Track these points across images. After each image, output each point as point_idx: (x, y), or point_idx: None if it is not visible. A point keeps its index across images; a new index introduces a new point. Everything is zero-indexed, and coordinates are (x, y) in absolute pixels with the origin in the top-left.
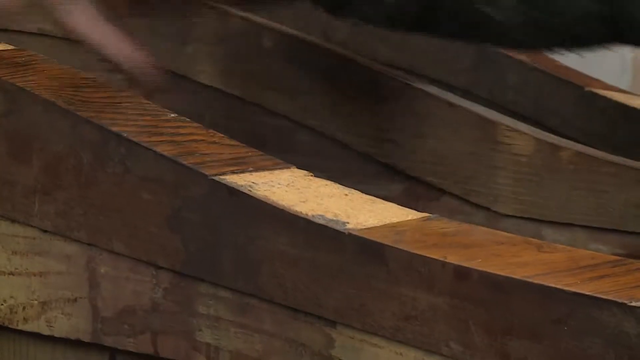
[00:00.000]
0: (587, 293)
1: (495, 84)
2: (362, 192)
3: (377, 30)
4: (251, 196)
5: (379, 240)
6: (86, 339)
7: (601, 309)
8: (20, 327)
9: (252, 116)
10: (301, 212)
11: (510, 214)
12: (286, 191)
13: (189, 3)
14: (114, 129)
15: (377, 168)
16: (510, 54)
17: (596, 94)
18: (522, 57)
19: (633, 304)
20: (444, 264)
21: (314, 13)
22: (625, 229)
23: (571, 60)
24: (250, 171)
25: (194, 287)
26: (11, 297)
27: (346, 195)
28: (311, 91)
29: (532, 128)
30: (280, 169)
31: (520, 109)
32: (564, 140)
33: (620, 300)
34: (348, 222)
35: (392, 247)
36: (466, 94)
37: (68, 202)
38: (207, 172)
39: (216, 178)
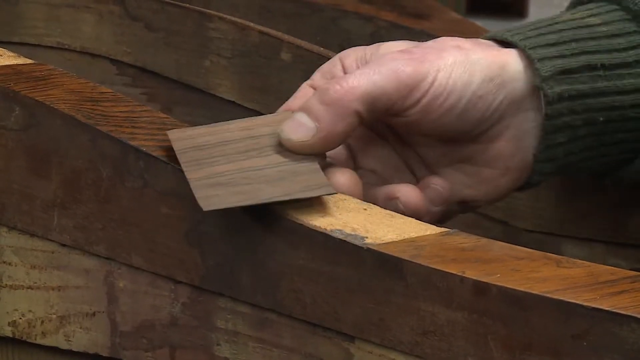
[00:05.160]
0: (607, 308)
1: None
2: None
3: None
4: (270, 210)
5: (397, 255)
6: (104, 353)
7: (620, 325)
8: (39, 341)
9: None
10: (319, 227)
11: (529, 228)
12: (304, 205)
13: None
14: (133, 143)
15: None
16: None
17: None
18: None
19: None
20: (462, 279)
21: (331, 27)
22: None
23: None
24: None
25: (213, 302)
26: (30, 311)
27: (365, 209)
28: None
29: None
30: None
31: None
32: None
33: (639, 316)
34: (367, 237)
35: (410, 261)
36: None
37: (87, 216)
38: None
39: None
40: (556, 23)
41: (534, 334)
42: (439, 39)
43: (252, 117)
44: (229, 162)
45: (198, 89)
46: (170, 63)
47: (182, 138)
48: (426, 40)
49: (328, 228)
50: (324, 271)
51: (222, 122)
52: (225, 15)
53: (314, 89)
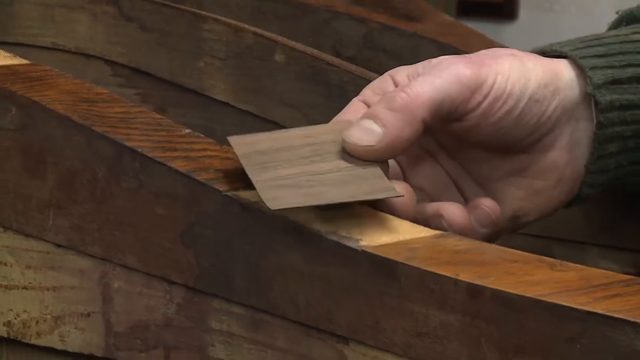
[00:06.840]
0: (600, 312)
1: None
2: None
3: (386, 46)
4: (264, 212)
5: (391, 257)
6: (99, 353)
7: (614, 328)
8: (34, 341)
9: (264, 131)
10: (314, 229)
11: (521, 231)
12: (300, 208)
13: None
14: (129, 144)
15: None
16: None
17: None
18: None
19: None
20: (456, 282)
21: (324, 29)
22: (636, 248)
23: None
24: None
25: (207, 303)
26: (24, 311)
27: (358, 211)
28: (322, 106)
29: None
30: None
31: None
32: None
33: (632, 320)
34: (361, 239)
35: (404, 264)
36: None
37: (82, 217)
38: (220, 187)
39: (229, 194)
40: (603, 37)
41: (527, 337)
42: (491, 48)
43: (312, 126)
44: (293, 166)
45: (192, 90)
46: (164, 64)
47: (243, 143)
48: (419, 42)
49: (323, 230)
50: (318, 273)
51: (280, 130)
52: (219, 17)
53: (366, 104)
